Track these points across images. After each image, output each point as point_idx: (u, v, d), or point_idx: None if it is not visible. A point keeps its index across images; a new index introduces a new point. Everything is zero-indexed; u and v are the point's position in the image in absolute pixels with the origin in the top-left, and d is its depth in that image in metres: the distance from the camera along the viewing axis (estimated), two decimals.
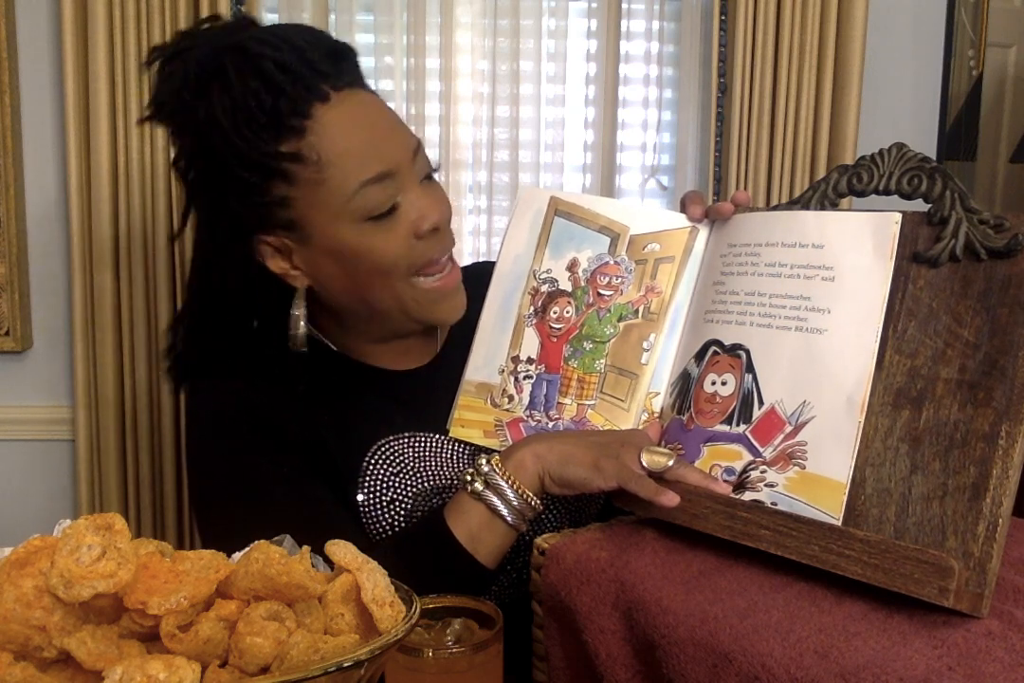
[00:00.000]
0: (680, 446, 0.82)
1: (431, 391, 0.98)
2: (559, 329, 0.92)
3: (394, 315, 0.92)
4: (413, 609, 0.53)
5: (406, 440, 0.95)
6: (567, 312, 0.92)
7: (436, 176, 0.93)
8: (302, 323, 0.91)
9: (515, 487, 0.82)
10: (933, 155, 1.88)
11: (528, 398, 0.92)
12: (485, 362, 0.95)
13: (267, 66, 0.80)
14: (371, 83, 0.90)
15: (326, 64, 0.82)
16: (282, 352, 0.94)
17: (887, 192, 0.77)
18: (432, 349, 1.02)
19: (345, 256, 0.87)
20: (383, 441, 0.94)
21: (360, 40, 1.77)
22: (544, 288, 0.93)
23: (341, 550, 0.55)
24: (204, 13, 1.63)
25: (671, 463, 0.78)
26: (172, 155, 0.92)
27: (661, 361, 0.88)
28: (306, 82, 0.81)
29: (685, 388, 0.84)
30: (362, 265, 0.87)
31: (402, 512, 0.92)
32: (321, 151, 0.82)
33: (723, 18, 1.76)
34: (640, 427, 0.87)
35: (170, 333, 1.00)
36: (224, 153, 0.83)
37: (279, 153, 0.82)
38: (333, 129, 0.82)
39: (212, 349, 0.97)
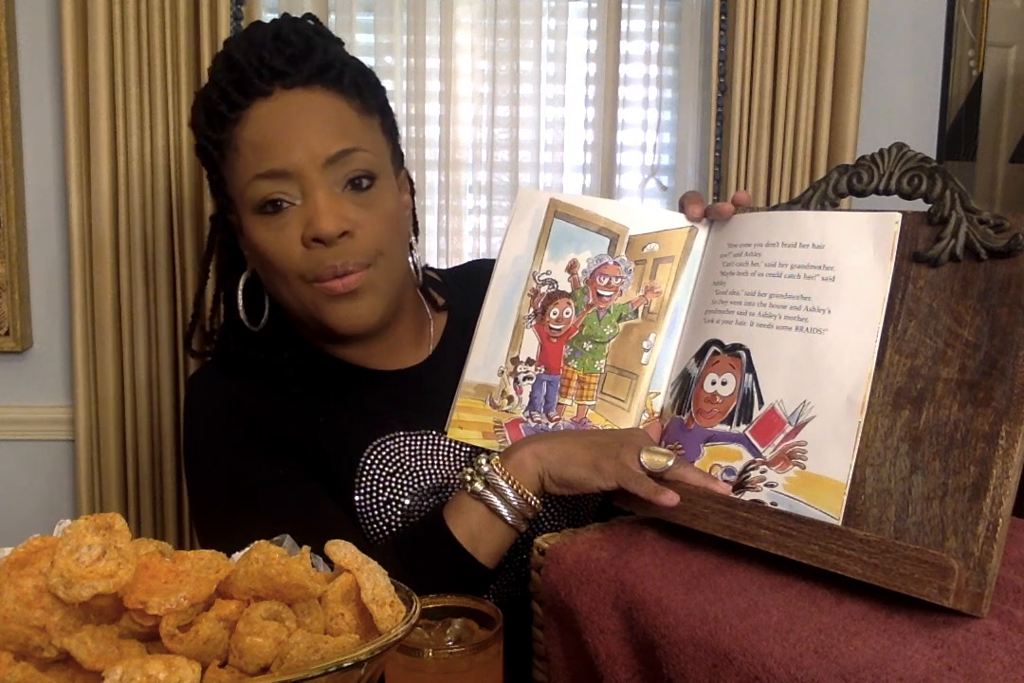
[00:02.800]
0: (680, 446, 0.82)
1: (426, 390, 0.98)
2: (559, 330, 0.92)
3: (307, 319, 0.92)
4: (413, 609, 0.53)
5: (401, 439, 0.95)
6: (567, 313, 0.92)
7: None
8: (240, 303, 0.96)
9: (515, 487, 0.82)
10: (933, 155, 1.88)
11: (528, 399, 0.92)
12: (484, 363, 0.95)
13: (219, 63, 0.89)
14: None
15: (286, 63, 0.86)
16: (275, 354, 0.95)
17: (887, 192, 0.77)
18: (424, 348, 1.02)
19: (252, 247, 0.91)
20: (378, 441, 0.94)
21: (360, 40, 1.77)
22: (543, 289, 0.93)
23: (341, 550, 0.55)
24: (204, 13, 1.63)
25: (671, 463, 0.78)
26: None
27: (661, 361, 0.88)
28: (247, 76, 0.86)
29: (685, 388, 0.84)
30: (263, 259, 0.90)
31: (399, 512, 0.92)
32: (239, 140, 0.87)
33: (723, 18, 1.76)
34: (641, 427, 0.87)
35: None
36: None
37: (216, 139, 0.89)
38: (257, 122, 0.87)
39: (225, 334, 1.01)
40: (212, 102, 0.88)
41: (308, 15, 0.93)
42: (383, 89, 0.96)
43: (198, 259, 1.72)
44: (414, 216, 1.04)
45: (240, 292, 0.96)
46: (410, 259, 0.98)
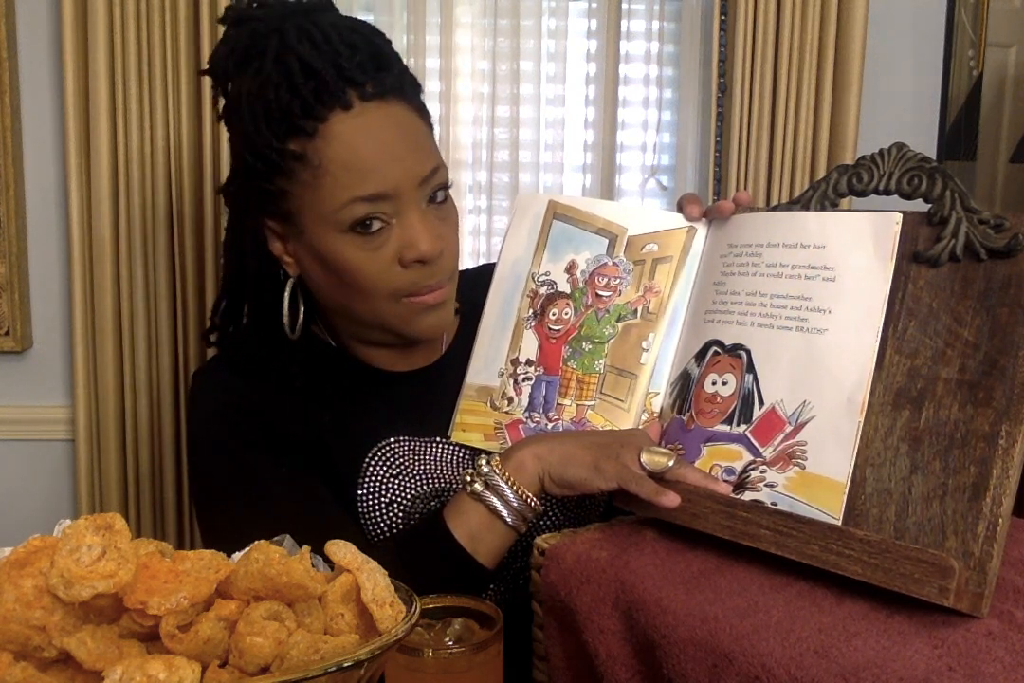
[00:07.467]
0: (680, 446, 0.82)
1: (434, 393, 0.98)
2: (558, 330, 0.92)
3: (374, 327, 0.92)
4: (413, 609, 0.53)
5: (407, 443, 0.95)
6: (566, 313, 0.92)
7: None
8: (286, 309, 0.92)
9: (515, 488, 0.82)
10: (933, 155, 1.88)
11: (527, 400, 0.92)
12: (485, 365, 0.95)
13: (293, 64, 0.80)
14: None
15: (360, 72, 0.81)
16: (283, 346, 0.95)
17: (887, 192, 0.77)
18: (437, 350, 1.02)
19: (329, 263, 0.86)
20: (384, 443, 0.94)
21: None
22: (543, 290, 0.93)
23: (341, 550, 0.55)
24: (204, 13, 1.63)
25: (671, 463, 0.78)
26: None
27: (660, 361, 0.88)
28: (329, 87, 0.80)
29: (685, 388, 0.84)
30: (345, 276, 0.86)
31: (400, 514, 0.92)
32: (323, 157, 0.81)
33: (723, 18, 1.76)
34: (640, 427, 0.87)
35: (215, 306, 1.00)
36: (241, 132, 0.84)
37: (284, 150, 0.82)
38: (343, 139, 0.81)
39: (236, 333, 0.98)
40: (279, 109, 0.80)
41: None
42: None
43: (198, 259, 1.72)
44: None
45: (287, 301, 0.92)
46: None
